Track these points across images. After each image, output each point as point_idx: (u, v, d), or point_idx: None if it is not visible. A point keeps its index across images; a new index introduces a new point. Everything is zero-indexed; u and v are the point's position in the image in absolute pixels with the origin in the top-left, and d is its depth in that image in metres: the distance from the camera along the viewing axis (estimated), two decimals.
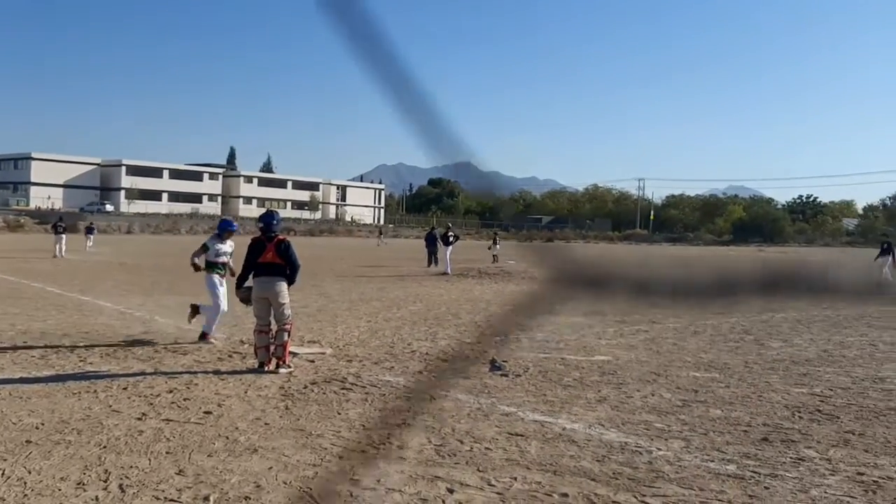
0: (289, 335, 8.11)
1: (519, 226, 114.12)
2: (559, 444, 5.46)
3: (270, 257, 8.08)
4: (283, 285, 8.08)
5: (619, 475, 4.78)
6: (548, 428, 5.90)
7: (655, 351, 9.92)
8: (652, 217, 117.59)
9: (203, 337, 9.62)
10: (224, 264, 9.76)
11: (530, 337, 10.92)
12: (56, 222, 30.07)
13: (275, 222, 8.32)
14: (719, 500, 4.35)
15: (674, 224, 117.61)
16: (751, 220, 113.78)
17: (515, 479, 4.66)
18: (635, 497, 4.39)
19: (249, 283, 8.30)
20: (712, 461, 5.14)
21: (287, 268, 8.10)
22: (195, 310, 9.76)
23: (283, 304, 8.05)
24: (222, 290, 9.61)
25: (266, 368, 7.91)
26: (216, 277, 9.62)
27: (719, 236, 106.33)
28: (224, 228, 10.03)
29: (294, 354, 8.49)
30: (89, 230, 35.56)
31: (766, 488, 4.60)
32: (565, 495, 4.38)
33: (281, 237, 8.25)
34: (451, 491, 4.42)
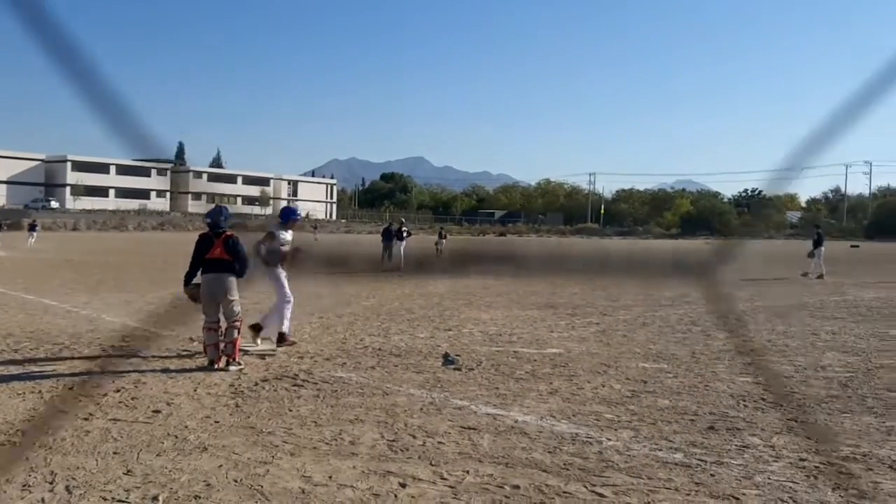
0: (239, 332, 8.02)
1: (471, 220, 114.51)
2: (511, 436, 5.51)
3: (218, 253, 7.97)
4: (233, 281, 7.99)
5: (570, 466, 4.84)
6: (500, 421, 5.95)
7: (606, 343, 10.06)
8: (603, 211, 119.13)
9: (282, 340, 9.07)
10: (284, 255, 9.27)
11: (483, 331, 10.99)
12: None
13: (223, 218, 8.21)
14: (667, 488, 4.44)
15: (624, 218, 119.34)
16: (698, 214, 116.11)
17: (468, 472, 4.69)
18: (585, 487, 4.46)
19: (198, 279, 8.18)
20: (660, 450, 5.24)
21: (235, 264, 8.01)
22: (257, 329, 9.06)
23: (233, 300, 7.96)
24: (286, 283, 9.16)
25: (216, 366, 7.82)
26: (279, 269, 9.15)
27: (668, 230, 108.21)
28: (288, 217, 9.56)
29: (245, 352, 8.41)
30: (32, 227, 35.42)
31: (712, 475, 4.70)
32: (517, 487, 4.42)
33: (229, 233, 8.15)
34: (403, 485, 4.43)
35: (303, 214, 9.80)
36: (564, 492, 4.37)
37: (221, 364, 7.85)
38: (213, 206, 8.97)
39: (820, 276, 23.44)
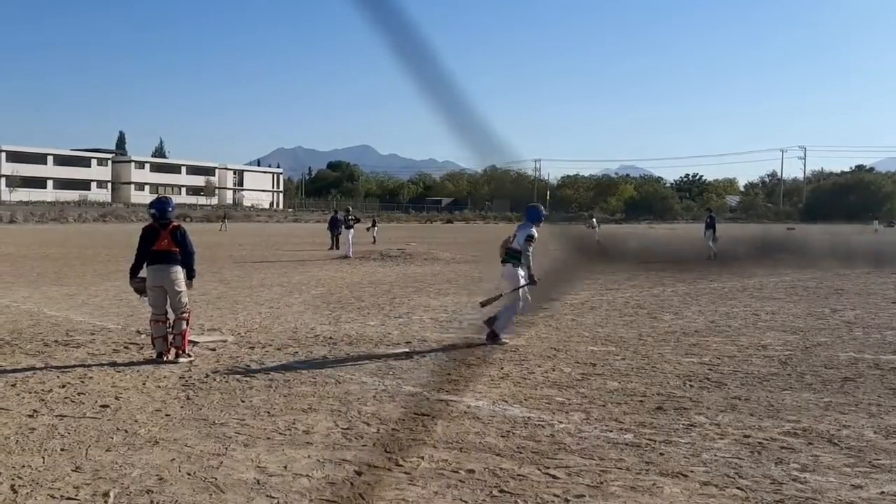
0: (187, 324, 7.92)
1: (419, 207, 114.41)
2: (464, 421, 5.56)
3: (165, 245, 7.85)
4: (179, 272, 7.87)
5: (524, 449, 4.91)
6: (453, 406, 5.99)
7: (555, 327, 10.19)
8: (549, 197, 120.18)
9: (493, 338, 8.72)
10: (520, 253, 8.93)
11: (434, 318, 11.02)
12: None
13: (169, 209, 8.09)
14: (618, 468, 4.54)
15: (569, 203, 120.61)
16: (641, 199, 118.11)
17: (423, 458, 4.72)
18: (539, 469, 4.53)
19: (143, 273, 8.04)
20: (611, 431, 5.35)
21: (182, 255, 7.89)
22: (491, 324, 8.76)
23: (180, 291, 7.85)
24: (523, 283, 8.85)
25: (164, 359, 7.70)
26: (520, 269, 8.88)
27: (612, 215, 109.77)
28: (539, 216, 9.19)
29: (194, 343, 8.30)
30: None
31: (661, 454, 4.82)
32: (472, 471, 4.47)
33: (175, 224, 8.03)
34: (359, 473, 4.45)
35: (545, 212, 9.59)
36: (518, 475, 4.44)
37: (171, 356, 7.74)
38: (155, 196, 8.79)
39: (712, 257, 24.09)
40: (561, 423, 5.57)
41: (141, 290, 8.06)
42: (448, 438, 5.13)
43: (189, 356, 7.79)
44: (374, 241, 32.95)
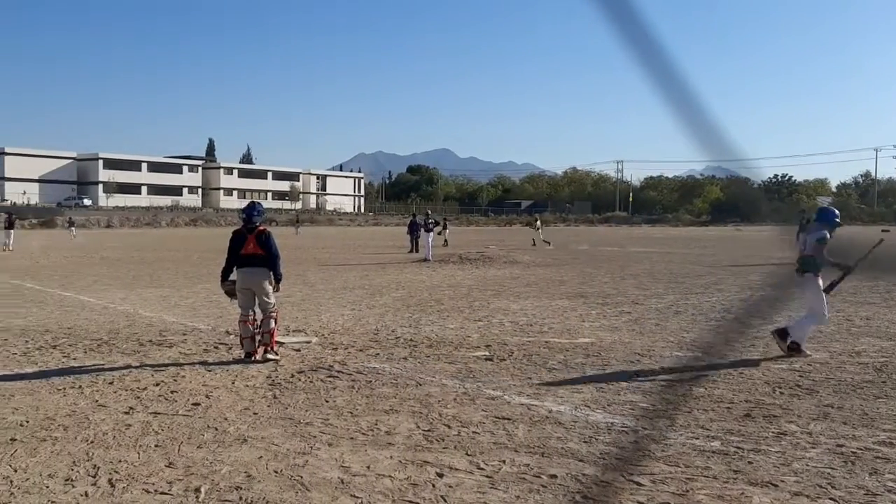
0: (275, 323, 8.15)
1: (498, 210, 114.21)
2: (546, 426, 5.52)
3: (251, 248, 8.09)
4: (266, 275, 8.10)
5: (607, 455, 4.84)
6: (534, 411, 5.96)
7: (638, 332, 10.01)
8: (631, 199, 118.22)
9: (795, 349, 8.20)
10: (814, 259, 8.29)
11: (513, 321, 10.99)
12: (7, 217, 31.59)
13: (256, 213, 8.32)
14: (705, 476, 4.43)
15: (652, 205, 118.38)
16: (728, 201, 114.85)
17: (504, 462, 4.71)
18: (623, 476, 4.45)
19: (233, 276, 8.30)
20: (697, 438, 5.22)
21: (268, 258, 8.11)
22: (782, 335, 8.29)
23: (267, 293, 8.08)
24: (825, 297, 8.39)
25: (252, 358, 7.92)
26: (818, 279, 8.38)
27: (697, 217, 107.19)
28: (833, 218, 8.52)
29: (280, 344, 8.50)
30: (71, 223, 37.41)
31: (750, 463, 4.68)
32: (554, 476, 4.43)
33: (261, 228, 8.25)
34: (440, 475, 4.46)
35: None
36: (602, 481, 4.37)
37: (259, 355, 7.95)
38: (248, 201, 9.06)
39: None
40: (645, 429, 5.47)
41: (231, 293, 8.32)
42: (530, 443, 5.10)
43: (276, 355, 8.02)
44: (446, 243, 32.99)
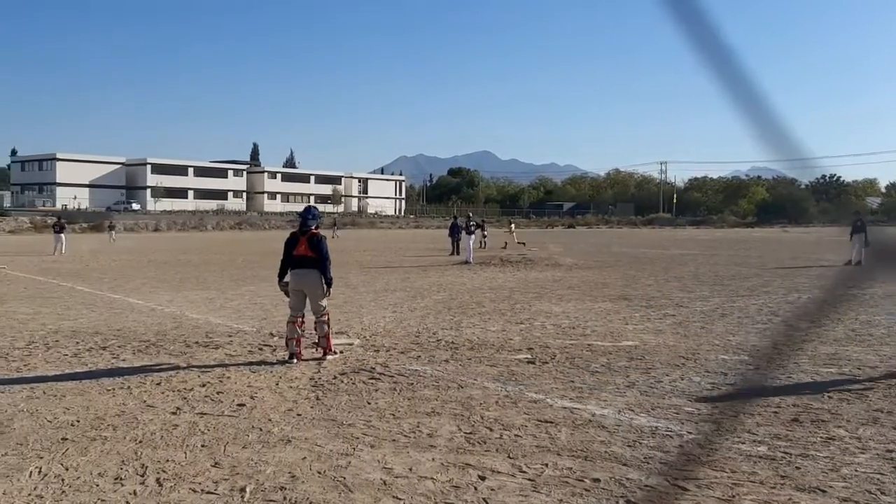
0: (328, 325, 8.33)
1: (539, 212, 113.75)
2: (589, 430, 5.48)
3: (303, 250, 8.28)
4: (317, 277, 8.25)
5: (651, 459, 4.79)
6: (577, 414, 5.92)
7: (683, 335, 9.89)
8: (675, 200, 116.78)
9: None
10: None
11: (556, 324, 10.93)
12: (56, 222, 32.15)
13: (310, 217, 8.52)
14: (751, 482, 4.35)
15: (697, 207, 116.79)
16: (774, 201, 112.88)
17: (546, 465, 4.68)
18: (668, 481, 4.40)
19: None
20: (743, 443, 5.14)
21: (319, 261, 8.26)
22: None
23: (318, 295, 8.24)
24: None
25: (295, 361, 8.02)
26: None
27: (743, 218, 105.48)
28: None
29: (335, 351, 8.59)
30: (111, 227, 38.18)
31: (798, 468, 4.59)
32: (597, 480, 4.40)
33: (314, 231, 8.42)
34: (482, 478, 4.46)
35: None
36: (646, 485, 4.33)
37: (318, 356, 8.24)
38: (287, 205, 9.24)
39: (857, 263, 22.54)
40: (690, 433, 5.40)
41: (288, 293, 8.54)
42: (573, 446, 5.07)
43: (335, 353, 8.24)
44: (483, 245, 33.01)
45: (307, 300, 8.28)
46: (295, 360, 8.04)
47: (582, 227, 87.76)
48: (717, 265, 24.10)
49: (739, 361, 8.07)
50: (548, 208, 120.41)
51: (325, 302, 8.30)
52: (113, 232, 36.49)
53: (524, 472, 4.56)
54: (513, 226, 36.96)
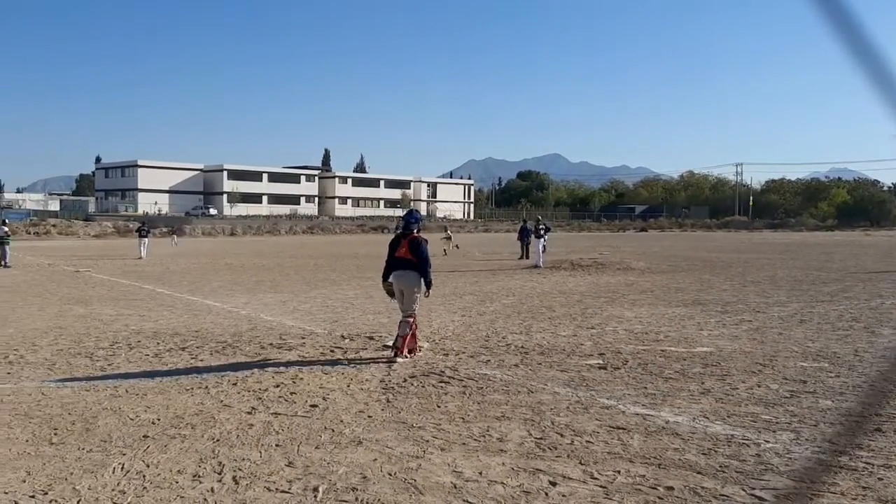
0: (410, 328, 8.47)
1: (611, 216, 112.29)
2: (662, 437, 5.39)
3: (403, 252, 8.55)
4: (416, 279, 8.49)
5: (727, 468, 4.68)
6: (650, 421, 5.82)
7: (760, 341, 9.63)
8: (751, 203, 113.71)
9: None
10: None
11: (628, 329, 10.77)
12: (139, 227, 33.16)
13: (412, 220, 8.77)
14: (832, 493, 4.21)
15: (774, 209, 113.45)
16: (855, 204, 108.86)
17: (619, 472, 4.62)
18: (744, 490, 4.29)
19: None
20: (823, 453, 4.97)
21: (418, 263, 8.49)
22: None
23: (413, 296, 8.48)
24: None
25: (412, 356, 8.37)
26: None
27: (823, 221, 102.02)
28: None
29: (411, 351, 8.66)
30: (174, 232, 39.68)
31: (881, 479, 4.42)
32: (671, 488, 4.32)
33: (415, 234, 8.64)
34: (553, 483, 4.43)
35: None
36: (721, 494, 4.23)
37: (388, 347, 8.54)
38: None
39: None
40: (767, 442, 5.25)
41: (390, 293, 8.80)
42: (645, 453, 4.99)
43: (405, 357, 8.34)
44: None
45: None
46: (414, 355, 8.41)
47: (654, 231, 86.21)
48: (795, 269, 23.38)
49: (819, 369, 7.81)
50: (619, 211, 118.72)
51: (417, 305, 8.54)
52: (175, 237, 37.80)
53: (596, 478, 4.51)
54: (448, 232, 35.56)
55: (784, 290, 16.69)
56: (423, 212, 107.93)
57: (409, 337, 8.46)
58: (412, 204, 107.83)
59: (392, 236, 9.01)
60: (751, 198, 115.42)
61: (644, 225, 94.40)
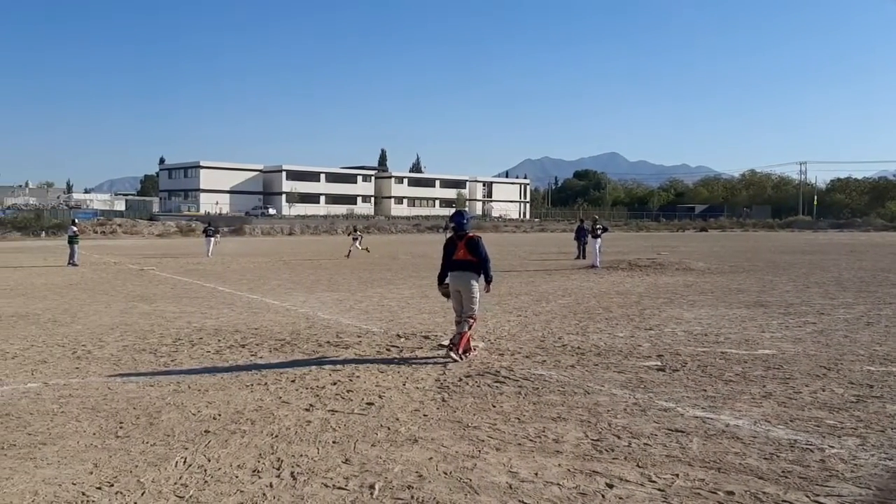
0: (470, 328, 8.47)
1: (669, 215, 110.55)
2: (722, 440, 5.28)
3: (462, 254, 8.55)
4: (475, 280, 8.50)
5: (789, 473, 4.56)
6: (710, 424, 5.72)
7: (825, 344, 9.37)
8: (815, 202, 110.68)
9: None
10: None
11: (687, 331, 10.60)
12: (206, 227, 34.09)
13: (465, 221, 8.78)
14: None
15: (840, 209, 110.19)
16: None
17: (677, 475, 4.55)
18: (808, 496, 4.18)
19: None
20: (890, 459, 4.81)
21: (479, 262, 8.49)
22: None
23: (473, 297, 8.48)
24: None
25: (467, 356, 8.33)
26: None
27: (891, 221, 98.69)
28: None
29: (450, 347, 8.68)
30: (217, 232, 40.29)
31: None
32: (731, 493, 4.23)
33: (471, 234, 8.66)
34: (610, 486, 4.38)
35: None
36: (784, 500, 4.13)
37: (442, 353, 8.45)
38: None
39: None
40: (832, 447, 5.11)
41: (446, 295, 8.82)
42: (705, 457, 4.90)
43: (461, 357, 8.31)
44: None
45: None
46: (468, 355, 8.36)
47: (715, 231, 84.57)
48: (861, 270, 22.67)
49: (887, 373, 7.56)
50: (679, 211, 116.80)
51: (476, 306, 8.53)
52: (218, 236, 38.44)
53: (654, 481, 4.45)
54: (358, 233, 34.57)
55: (850, 291, 16.20)
56: (479, 211, 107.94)
57: (467, 337, 8.46)
58: (467, 204, 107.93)
59: (444, 238, 9.00)
60: (815, 197, 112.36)
61: (704, 225, 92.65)
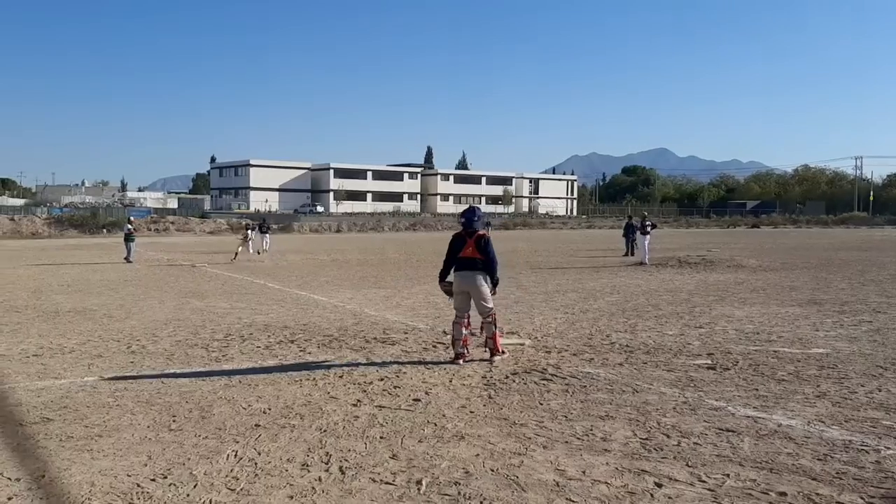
0: (495, 326, 8.29)
1: (720, 211, 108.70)
2: (775, 440, 5.19)
3: (470, 252, 8.26)
4: (483, 279, 8.23)
5: (844, 475, 4.46)
6: (761, 424, 5.62)
7: (881, 343, 9.13)
8: (871, 198, 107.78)
9: None
10: None
11: (738, 329, 10.42)
12: (259, 224, 34.32)
13: (475, 218, 8.48)
14: None
15: None
16: None
17: (728, 475, 4.48)
18: (862, 498, 4.09)
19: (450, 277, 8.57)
20: None
21: (485, 262, 8.25)
22: None
23: (484, 296, 8.19)
24: None
25: (460, 362, 8.08)
26: None
27: None
28: None
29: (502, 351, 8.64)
30: (249, 227, 40.03)
31: None
32: (783, 494, 4.16)
33: (481, 233, 8.43)
34: (659, 485, 4.34)
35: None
36: (837, 502, 4.04)
37: (486, 357, 8.24)
38: (467, 206, 9.25)
39: None
40: (889, 449, 4.98)
41: (449, 293, 8.60)
42: (756, 457, 4.82)
43: (503, 353, 8.24)
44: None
45: (471, 301, 8.26)
46: (461, 361, 8.09)
47: (767, 227, 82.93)
48: None
49: None
50: (730, 207, 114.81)
51: (491, 303, 8.25)
52: (251, 232, 38.73)
53: (704, 481, 4.39)
54: (249, 231, 31.28)
55: None
56: (525, 208, 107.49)
57: (497, 337, 8.30)
58: (513, 201, 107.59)
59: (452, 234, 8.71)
60: (871, 192, 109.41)
61: (756, 221, 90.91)
